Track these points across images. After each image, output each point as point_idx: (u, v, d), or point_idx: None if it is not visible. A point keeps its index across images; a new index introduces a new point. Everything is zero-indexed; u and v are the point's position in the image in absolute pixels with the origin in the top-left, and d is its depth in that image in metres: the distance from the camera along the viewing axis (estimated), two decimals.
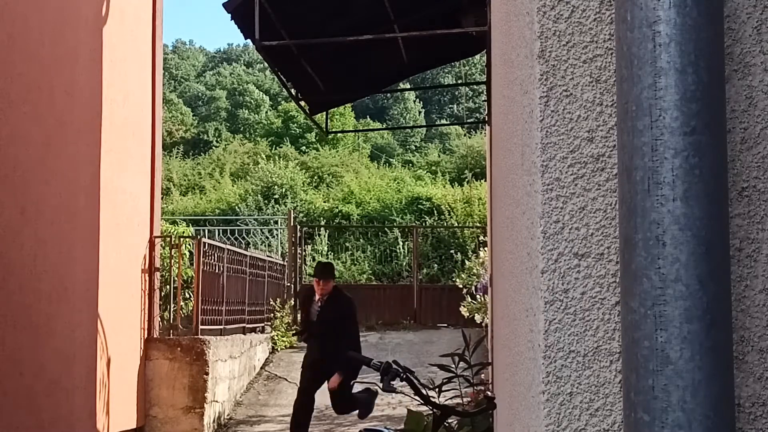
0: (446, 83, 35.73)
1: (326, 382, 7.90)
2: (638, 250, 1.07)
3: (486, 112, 7.49)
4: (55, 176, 6.94)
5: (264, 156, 28.69)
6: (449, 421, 4.52)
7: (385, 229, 19.75)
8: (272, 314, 12.98)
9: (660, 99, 1.07)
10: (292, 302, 14.16)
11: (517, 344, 1.67)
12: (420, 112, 43.40)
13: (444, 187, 23.51)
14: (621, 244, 1.11)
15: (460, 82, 32.04)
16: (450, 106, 44.06)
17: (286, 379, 10.98)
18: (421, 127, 41.55)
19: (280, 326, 12.89)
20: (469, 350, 5.40)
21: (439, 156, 33.21)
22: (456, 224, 19.92)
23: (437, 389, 4.64)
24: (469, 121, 30.22)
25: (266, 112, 42.92)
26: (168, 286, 9.88)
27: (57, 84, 7.05)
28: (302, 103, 7.58)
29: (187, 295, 10.69)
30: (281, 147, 33.02)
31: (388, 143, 38.55)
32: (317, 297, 7.94)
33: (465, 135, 35.20)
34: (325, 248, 19.15)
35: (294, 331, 9.88)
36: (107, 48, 7.99)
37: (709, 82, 1.08)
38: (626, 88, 1.11)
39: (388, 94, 36.87)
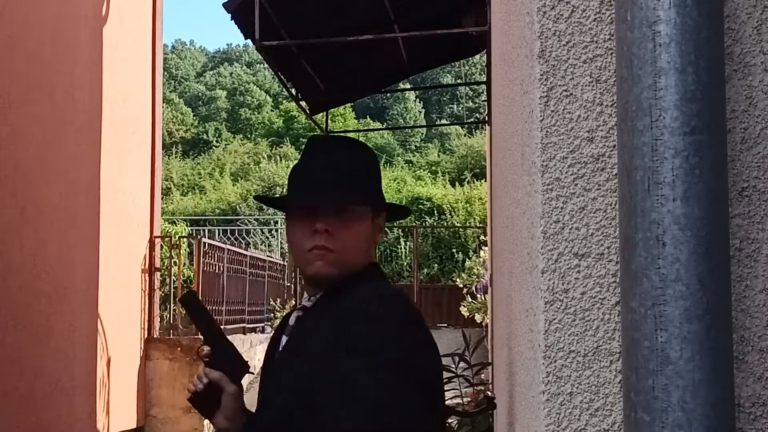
0: (446, 83, 35.71)
1: None
2: (638, 250, 1.07)
3: (486, 112, 7.49)
4: (55, 176, 6.94)
5: (266, 156, 28.71)
6: (449, 421, 4.52)
7: (386, 228, 19.75)
8: (272, 314, 12.97)
9: (660, 99, 1.07)
10: (293, 303, 14.16)
11: (517, 344, 1.67)
12: (420, 112, 43.39)
13: (444, 187, 23.53)
14: (621, 244, 1.11)
15: (460, 82, 32.02)
16: (450, 105, 44.03)
17: None
18: (421, 127, 41.52)
19: None
20: (469, 350, 5.39)
21: (439, 156, 33.23)
22: (456, 224, 19.92)
23: None
24: (469, 121, 30.21)
25: (268, 112, 42.93)
26: (168, 286, 9.88)
27: (57, 84, 7.05)
28: (302, 103, 7.58)
29: None
30: (281, 147, 33.02)
31: (388, 143, 38.55)
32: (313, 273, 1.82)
33: (465, 135, 35.20)
34: None
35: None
36: (107, 48, 7.98)
37: (709, 82, 1.08)
38: (626, 88, 1.11)
39: (388, 94, 36.85)
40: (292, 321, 1.94)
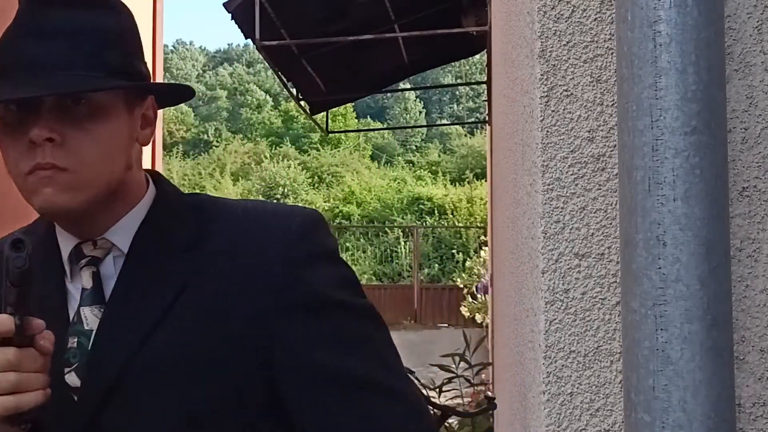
0: (446, 83, 35.73)
1: None
2: (639, 250, 1.07)
3: (486, 112, 7.50)
4: None
5: (267, 156, 28.74)
6: (450, 421, 4.52)
7: (386, 229, 19.76)
8: None
9: (660, 99, 1.07)
10: None
11: (517, 344, 1.68)
12: (420, 112, 43.41)
13: (445, 187, 23.54)
14: (621, 244, 1.11)
15: (460, 82, 32.05)
16: (450, 105, 44.05)
17: None
18: (421, 126, 41.55)
19: None
20: (470, 350, 5.40)
21: (439, 156, 33.26)
22: (457, 224, 19.93)
23: (438, 389, 4.65)
24: (469, 121, 30.23)
25: (268, 112, 42.97)
26: None
27: None
28: (302, 102, 7.58)
29: None
30: (282, 147, 33.05)
31: (388, 143, 38.57)
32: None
33: (466, 135, 35.22)
34: None
35: None
36: None
37: (710, 82, 1.08)
38: (626, 88, 1.11)
39: (389, 94, 36.87)
40: (87, 283, 1.15)
